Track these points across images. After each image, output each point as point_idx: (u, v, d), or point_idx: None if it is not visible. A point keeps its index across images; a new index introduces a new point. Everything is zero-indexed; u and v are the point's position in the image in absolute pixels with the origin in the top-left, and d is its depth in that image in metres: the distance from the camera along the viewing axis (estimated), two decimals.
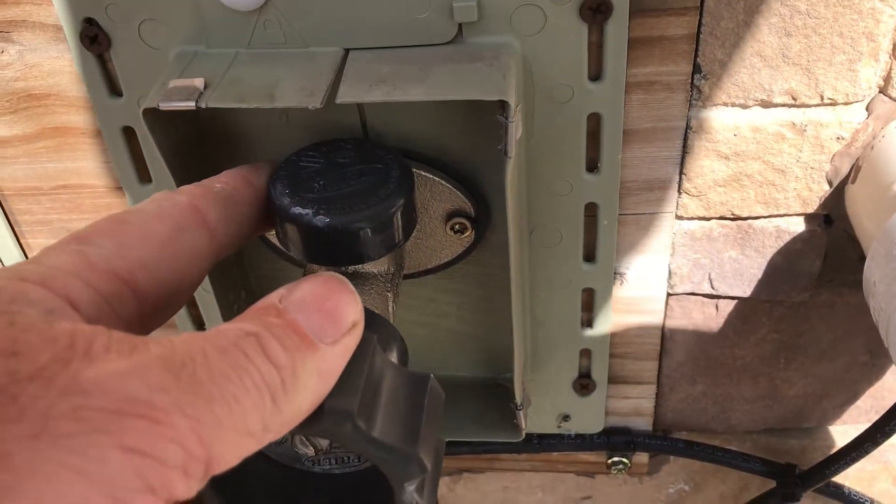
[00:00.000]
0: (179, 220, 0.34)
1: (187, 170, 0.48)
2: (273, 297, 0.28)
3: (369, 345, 0.33)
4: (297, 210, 0.43)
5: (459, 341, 0.60)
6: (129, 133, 0.52)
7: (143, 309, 0.29)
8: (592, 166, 0.51)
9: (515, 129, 0.42)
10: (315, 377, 0.26)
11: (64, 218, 0.57)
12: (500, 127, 0.43)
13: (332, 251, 0.44)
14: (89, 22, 0.47)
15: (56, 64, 0.49)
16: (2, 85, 0.50)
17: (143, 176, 0.53)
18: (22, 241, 0.58)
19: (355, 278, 0.45)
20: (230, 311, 0.54)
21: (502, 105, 0.42)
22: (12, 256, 0.58)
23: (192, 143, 0.49)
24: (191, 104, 0.43)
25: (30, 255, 0.59)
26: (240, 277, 0.56)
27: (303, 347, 0.26)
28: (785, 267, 0.56)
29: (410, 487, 0.32)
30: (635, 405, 0.66)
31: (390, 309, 0.46)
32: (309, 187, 0.44)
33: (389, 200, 0.44)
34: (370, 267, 0.46)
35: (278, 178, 0.45)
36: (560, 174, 0.51)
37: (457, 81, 0.43)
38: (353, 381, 0.31)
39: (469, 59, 0.44)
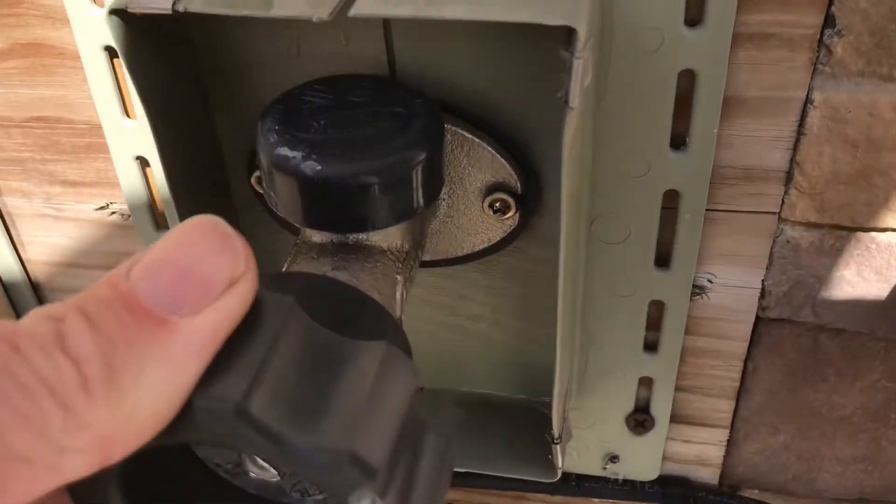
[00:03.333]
0: None
1: (169, 109, 0.38)
2: (127, 263, 0.21)
3: (279, 309, 0.23)
4: (284, 151, 0.33)
5: (492, 351, 0.50)
6: (112, 55, 0.42)
7: None
8: (679, 142, 0.39)
9: (583, 71, 0.32)
10: (160, 364, 0.20)
11: (38, 157, 0.48)
12: (562, 67, 0.32)
13: (325, 210, 0.33)
14: None
15: None
16: None
17: (128, 109, 0.44)
18: None
19: (356, 251, 0.35)
20: None
21: (568, 35, 0.32)
22: None
23: (179, 73, 0.39)
24: (166, 6, 0.33)
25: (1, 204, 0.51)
26: None
27: (133, 327, 0.19)
28: None
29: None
30: (700, 452, 0.54)
31: (398, 296, 0.36)
32: (306, 126, 0.34)
33: (406, 152, 0.33)
34: (377, 239, 0.36)
35: (271, 110, 0.35)
36: (636, 149, 0.40)
37: (510, 1, 0.32)
38: (245, 359, 0.22)
39: None
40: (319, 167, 0.32)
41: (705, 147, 0.39)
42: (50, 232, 0.51)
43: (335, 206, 0.33)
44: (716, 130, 0.39)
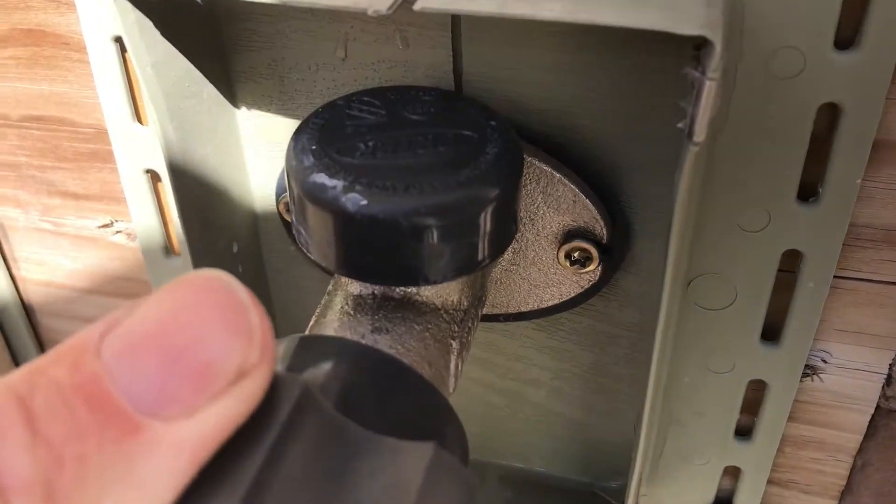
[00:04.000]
0: None
1: (185, 116, 0.31)
2: (98, 327, 0.15)
3: (289, 395, 0.17)
4: (320, 179, 0.26)
5: (551, 423, 0.42)
6: (123, 47, 0.36)
7: None
8: (808, 192, 0.32)
9: (713, 96, 0.24)
10: (126, 490, 0.14)
11: (35, 163, 0.41)
12: (686, 89, 0.25)
13: (368, 256, 0.26)
14: None
15: None
16: None
17: (139, 112, 0.37)
18: None
19: (403, 309, 0.28)
20: None
21: (696, 51, 0.25)
22: None
23: (203, 73, 0.32)
24: None
25: None
26: (249, 283, 0.39)
27: (94, 434, 0.14)
28: None
29: None
30: None
31: (452, 368, 0.28)
32: (350, 147, 0.27)
33: (475, 188, 0.26)
34: (430, 294, 0.28)
35: (308, 126, 0.28)
36: (754, 197, 0.32)
37: (625, 0, 0.25)
38: (240, 467, 0.16)
39: None
40: (364, 201, 0.25)
41: (842, 200, 0.31)
42: (46, 249, 0.45)
43: (381, 253, 0.26)
44: (859, 181, 0.31)
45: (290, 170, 0.26)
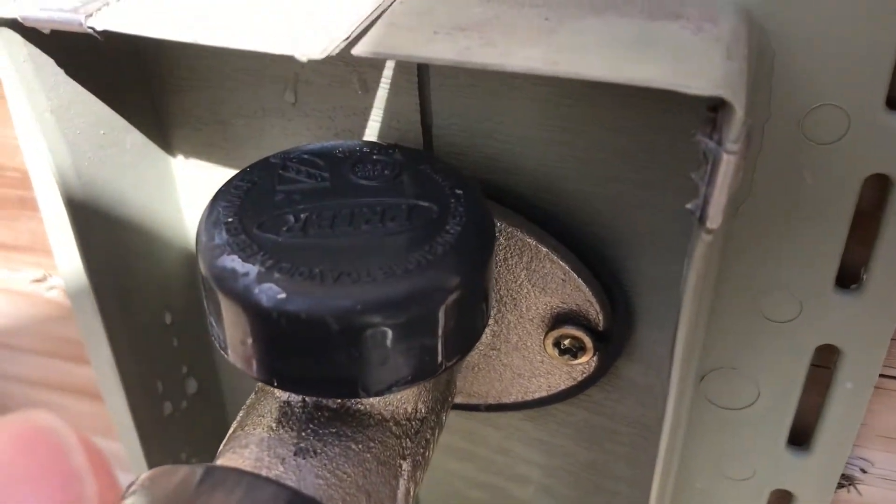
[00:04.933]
0: None
1: (99, 170, 0.26)
2: None
3: None
4: (231, 262, 0.20)
5: None
6: None
7: None
8: (849, 278, 0.26)
9: (733, 171, 0.18)
10: None
11: None
12: (696, 161, 0.19)
13: (290, 364, 0.21)
14: None
15: None
16: None
17: None
18: None
19: (338, 421, 0.22)
20: (150, 412, 0.32)
21: (712, 112, 0.19)
22: None
23: (129, 121, 0.27)
24: (75, 20, 0.21)
25: None
26: (187, 357, 0.33)
27: None
28: None
29: None
30: None
31: (400, 495, 0.23)
32: (276, 221, 0.21)
33: (429, 277, 0.20)
34: (375, 402, 0.23)
35: (228, 192, 0.22)
36: (783, 283, 0.26)
37: (620, 48, 0.19)
38: None
39: (652, 15, 0.21)
40: (283, 294, 0.19)
41: (891, 288, 0.25)
42: None
43: (306, 359, 0.20)
44: None
45: (198, 247, 0.21)
